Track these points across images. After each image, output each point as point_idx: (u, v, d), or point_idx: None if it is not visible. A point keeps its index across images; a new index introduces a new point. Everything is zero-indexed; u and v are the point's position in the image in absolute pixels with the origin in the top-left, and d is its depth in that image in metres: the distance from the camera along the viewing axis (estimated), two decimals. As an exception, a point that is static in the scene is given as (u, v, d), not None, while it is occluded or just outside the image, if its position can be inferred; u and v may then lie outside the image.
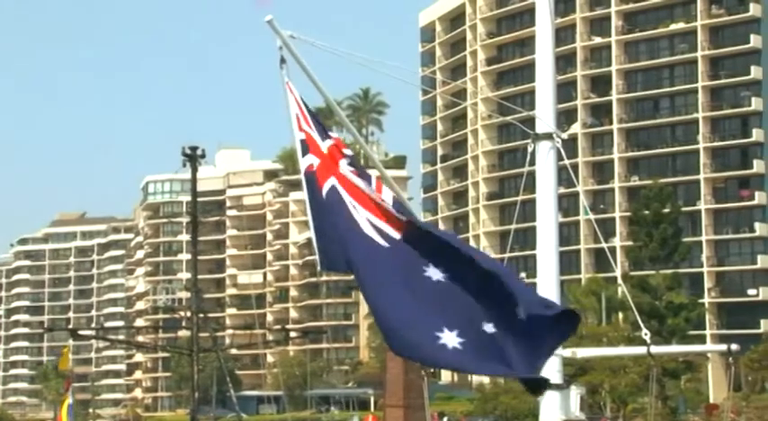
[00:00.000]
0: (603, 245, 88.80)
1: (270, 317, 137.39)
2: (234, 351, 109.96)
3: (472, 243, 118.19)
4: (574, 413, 8.86)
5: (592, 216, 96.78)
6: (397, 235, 6.67)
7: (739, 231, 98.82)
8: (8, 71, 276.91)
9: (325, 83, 7.11)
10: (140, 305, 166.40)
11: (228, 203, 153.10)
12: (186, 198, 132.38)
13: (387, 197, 6.78)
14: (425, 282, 6.49)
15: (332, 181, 6.83)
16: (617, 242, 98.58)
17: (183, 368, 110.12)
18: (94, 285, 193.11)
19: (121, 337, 74.52)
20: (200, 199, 31.85)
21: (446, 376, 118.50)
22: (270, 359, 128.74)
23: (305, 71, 7.01)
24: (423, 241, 6.58)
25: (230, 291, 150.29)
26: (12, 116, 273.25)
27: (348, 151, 6.99)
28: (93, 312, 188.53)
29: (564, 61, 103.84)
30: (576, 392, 8.89)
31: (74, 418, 32.71)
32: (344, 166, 6.88)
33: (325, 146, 6.97)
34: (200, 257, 31.79)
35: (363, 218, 6.73)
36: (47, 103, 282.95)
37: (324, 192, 6.81)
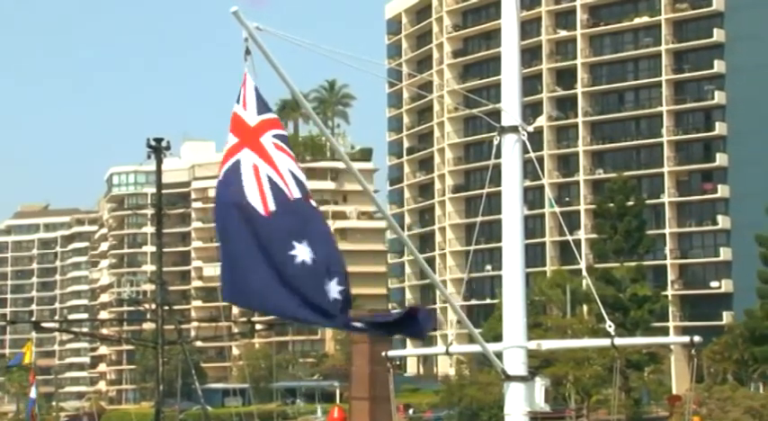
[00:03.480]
0: (568, 237, 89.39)
1: (235, 310, 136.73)
2: (199, 343, 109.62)
3: (438, 236, 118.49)
4: (538, 404, 8.90)
5: (557, 209, 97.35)
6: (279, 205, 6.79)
7: (702, 224, 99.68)
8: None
9: (292, 75, 7.10)
10: (105, 297, 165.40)
11: (194, 195, 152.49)
12: (151, 190, 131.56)
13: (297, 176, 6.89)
14: (289, 259, 6.63)
15: (239, 155, 6.89)
16: (582, 235, 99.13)
17: (148, 360, 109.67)
18: (58, 277, 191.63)
19: (85, 330, 74.21)
20: (165, 191, 31.70)
21: (412, 368, 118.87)
22: (235, 351, 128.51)
23: (271, 63, 7.00)
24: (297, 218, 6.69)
25: (195, 283, 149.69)
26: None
27: (282, 131, 7.02)
28: (57, 305, 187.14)
29: (529, 54, 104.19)
30: (540, 384, 8.93)
31: (33, 411, 32.54)
32: (268, 137, 6.94)
33: (257, 119, 6.99)
34: (165, 249, 31.68)
35: (265, 174, 6.82)
36: (8, 94, 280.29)
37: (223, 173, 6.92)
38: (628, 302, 72.42)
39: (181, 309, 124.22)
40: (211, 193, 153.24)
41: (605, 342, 9.73)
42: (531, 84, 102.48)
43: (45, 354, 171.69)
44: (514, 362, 8.89)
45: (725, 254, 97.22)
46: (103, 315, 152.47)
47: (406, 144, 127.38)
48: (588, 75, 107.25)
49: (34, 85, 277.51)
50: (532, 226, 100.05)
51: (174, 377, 75.85)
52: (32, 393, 32.70)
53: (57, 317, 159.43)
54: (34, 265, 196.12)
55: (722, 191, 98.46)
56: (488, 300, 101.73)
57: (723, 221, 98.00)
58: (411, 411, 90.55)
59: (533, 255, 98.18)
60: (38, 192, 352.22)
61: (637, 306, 72.75)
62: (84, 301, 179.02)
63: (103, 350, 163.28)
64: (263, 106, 7.04)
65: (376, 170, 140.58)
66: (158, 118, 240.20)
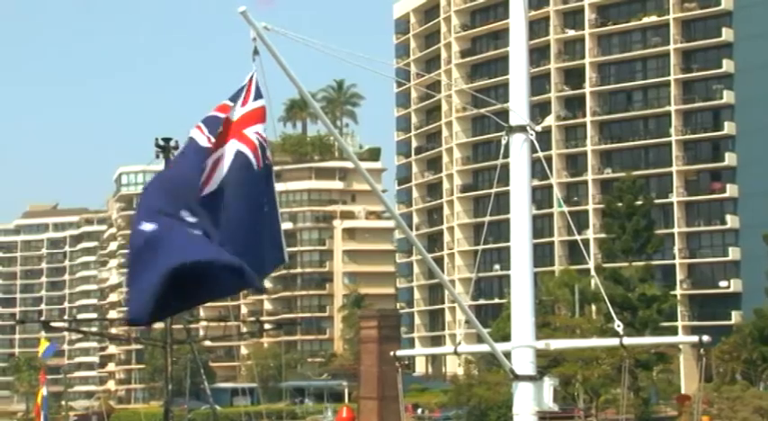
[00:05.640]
0: (577, 237, 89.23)
1: (244, 309, 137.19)
2: (208, 343, 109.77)
3: (446, 235, 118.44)
4: (547, 404, 8.91)
5: (565, 208, 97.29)
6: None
7: (711, 223, 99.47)
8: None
9: (300, 75, 7.11)
10: (113, 297, 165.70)
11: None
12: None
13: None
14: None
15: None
16: (590, 234, 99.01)
17: (157, 360, 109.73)
18: (67, 277, 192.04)
19: (94, 329, 74.33)
20: (173, 190, 31.56)
21: (420, 368, 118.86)
22: (244, 351, 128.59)
23: (279, 63, 7.01)
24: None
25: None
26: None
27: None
28: (66, 304, 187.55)
29: (538, 54, 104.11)
30: (549, 383, 8.94)
31: (47, 410, 32.83)
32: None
33: (251, 106, 7.08)
34: (173, 249, 31.46)
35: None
36: (18, 94, 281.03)
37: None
38: (636, 302, 72.30)
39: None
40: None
41: (614, 341, 9.73)
42: (539, 83, 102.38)
43: (54, 354, 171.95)
44: (523, 362, 8.90)
45: (733, 253, 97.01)
46: (112, 314, 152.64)
47: (414, 143, 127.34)
48: (596, 74, 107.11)
49: (42, 86, 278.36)
50: (541, 225, 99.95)
51: (183, 376, 76.05)
52: (44, 392, 33.19)
53: (66, 317, 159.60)
54: (43, 265, 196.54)
55: (731, 190, 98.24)
56: (497, 300, 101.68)
57: (732, 221, 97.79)
58: (419, 411, 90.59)
59: (542, 254, 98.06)
60: (47, 192, 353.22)
61: (645, 305, 72.63)
62: (93, 301, 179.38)
63: (112, 349, 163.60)
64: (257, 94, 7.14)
65: (384, 170, 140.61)
66: (167, 117, 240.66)
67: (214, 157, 6.99)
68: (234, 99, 7.14)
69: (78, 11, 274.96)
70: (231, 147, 7.01)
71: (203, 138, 6.98)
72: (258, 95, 7.13)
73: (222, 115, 7.08)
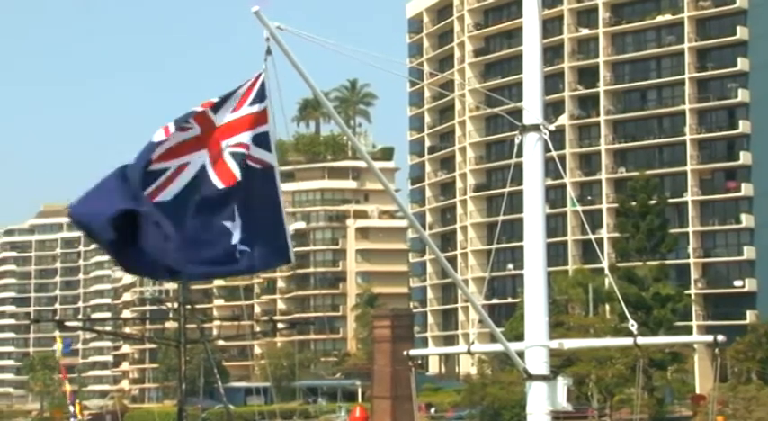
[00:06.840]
0: (591, 236, 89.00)
1: (257, 309, 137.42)
2: (221, 342, 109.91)
3: (459, 234, 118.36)
4: (561, 404, 8.90)
5: (579, 207, 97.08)
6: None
7: (726, 222, 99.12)
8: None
9: (313, 74, 7.11)
10: (127, 296, 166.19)
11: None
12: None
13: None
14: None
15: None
16: (604, 233, 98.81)
17: (171, 359, 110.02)
18: (81, 277, 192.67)
19: (108, 328, 74.61)
20: (186, 190, 31.62)
21: (434, 368, 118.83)
22: (257, 350, 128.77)
23: (292, 63, 7.01)
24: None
25: (218, 282, 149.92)
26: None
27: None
28: (80, 303, 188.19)
29: (551, 53, 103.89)
30: (562, 383, 8.92)
31: (75, 400, 33.18)
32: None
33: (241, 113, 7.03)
34: (187, 249, 31.47)
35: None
36: (32, 93, 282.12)
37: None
38: (651, 301, 72.10)
39: (203, 307, 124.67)
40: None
41: (628, 341, 9.70)
42: (552, 82, 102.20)
43: (68, 353, 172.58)
44: (537, 362, 8.88)
45: (748, 252, 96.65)
46: (126, 314, 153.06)
47: (427, 143, 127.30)
48: (610, 73, 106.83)
49: (56, 86, 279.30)
50: (554, 225, 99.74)
51: (197, 376, 76.22)
52: (67, 387, 33.97)
53: (80, 316, 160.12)
54: (58, 264, 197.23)
55: (746, 189, 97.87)
56: (510, 299, 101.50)
57: (747, 220, 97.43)
58: (433, 410, 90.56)
59: (555, 253, 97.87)
60: (61, 192, 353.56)
61: (660, 305, 72.43)
62: (107, 300, 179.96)
63: (126, 349, 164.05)
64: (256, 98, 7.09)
65: (397, 169, 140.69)
66: (177, 116, 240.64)
67: (178, 162, 6.89)
68: (224, 100, 7.03)
69: (90, 8, 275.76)
70: (198, 160, 6.93)
71: (160, 132, 6.90)
72: (260, 98, 7.04)
73: (198, 109, 6.99)
